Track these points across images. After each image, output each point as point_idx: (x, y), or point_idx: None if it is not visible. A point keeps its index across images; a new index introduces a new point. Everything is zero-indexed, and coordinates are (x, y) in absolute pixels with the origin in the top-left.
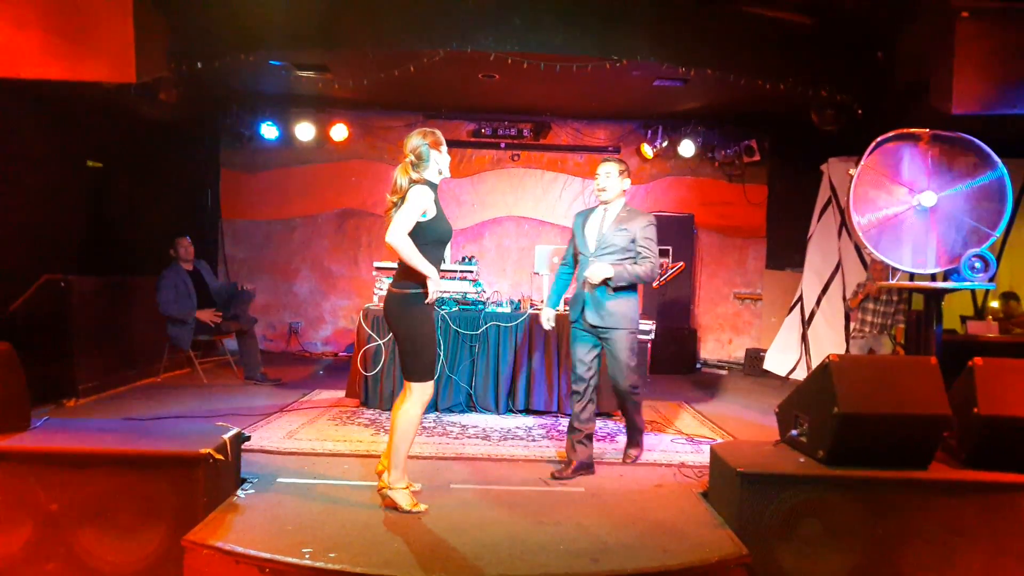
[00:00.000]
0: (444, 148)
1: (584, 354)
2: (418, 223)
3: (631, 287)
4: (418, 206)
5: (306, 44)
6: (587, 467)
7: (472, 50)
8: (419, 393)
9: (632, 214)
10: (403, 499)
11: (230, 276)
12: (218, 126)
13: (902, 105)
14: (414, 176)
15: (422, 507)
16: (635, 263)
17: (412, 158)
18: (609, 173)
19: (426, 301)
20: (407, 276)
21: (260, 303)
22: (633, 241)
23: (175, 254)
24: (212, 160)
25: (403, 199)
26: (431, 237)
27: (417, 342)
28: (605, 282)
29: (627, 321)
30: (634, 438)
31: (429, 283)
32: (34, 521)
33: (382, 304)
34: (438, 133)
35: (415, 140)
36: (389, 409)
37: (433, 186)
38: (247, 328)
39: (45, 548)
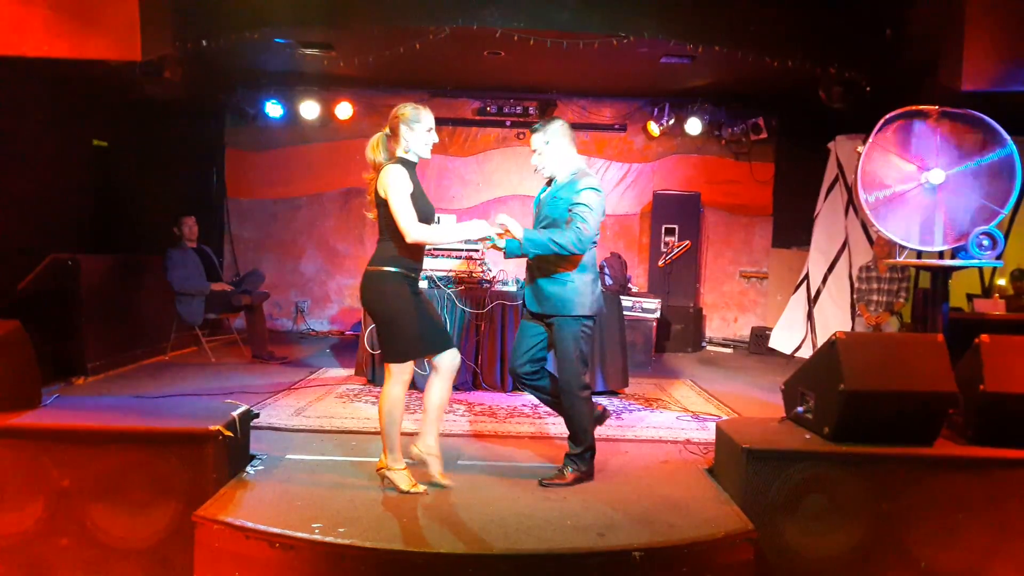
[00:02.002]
0: (419, 127)
1: (520, 343)
2: (389, 205)
3: (576, 267)
4: (402, 189)
5: (311, 22)
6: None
7: (478, 27)
8: (398, 374)
9: (572, 180)
10: (401, 480)
11: (236, 256)
12: (223, 105)
13: (911, 82)
14: (382, 157)
15: (420, 488)
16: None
17: (388, 130)
18: (537, 148)
19: (479, 239)
20: (386, 256)
21: (266, 282)
22: (569, 210)
23: (179, 233)
24: (217, 139)
25: (382, 188)
26: None
27: (393, 323)
28: (534, 259)
29: (567, 307)
30: (571, 456)
31: (464, 231)
32: (46, 497)
33: None
34: (420, 110)
35: (397, 110)
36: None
37: (409, 163)
38: (257, 303)
39: (58, 524)
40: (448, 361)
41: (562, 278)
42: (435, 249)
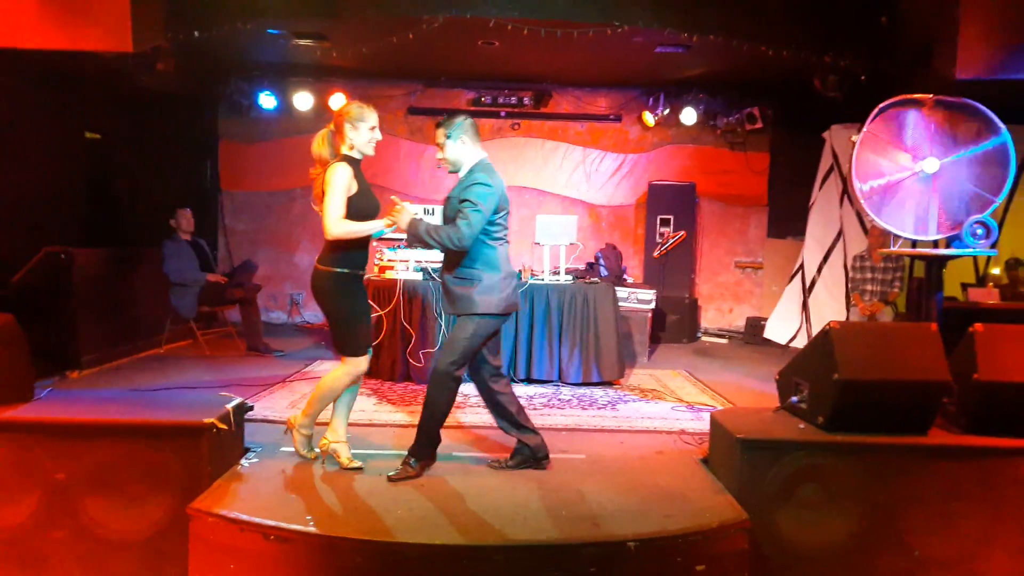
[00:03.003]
0: (363, 125)
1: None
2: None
3: (484, 265)
4: (340, 187)
5: (304, 12)
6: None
7: (472, 16)
8: (350, 366)
9: (467, 175)
10: (299, 440)
11: (230, 248)
12: (216, 96)
13: (906, 71)
14: (326, 152)
15: (314, 455)
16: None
17: (332, 127)
18: (440, 142)
19: (387, 235)
20: (332, 253)
21: (261, 274)
22: (457, 208)
23: (176, 225)
24: (211, 131)
25: (324, 184)
26: (355, 215)
27: (343, 320)
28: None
29: (470, 306)
30: (417, 446)
31: (369, 228)
32: (41, 490)
33: (382, 275)
34: (364, 109)
35: (342, 108)
36: (391, 379)
37: (353, 161)
38: (251, 296)
39: (52, 517)
40: (367, 360)
41: (468, 276)
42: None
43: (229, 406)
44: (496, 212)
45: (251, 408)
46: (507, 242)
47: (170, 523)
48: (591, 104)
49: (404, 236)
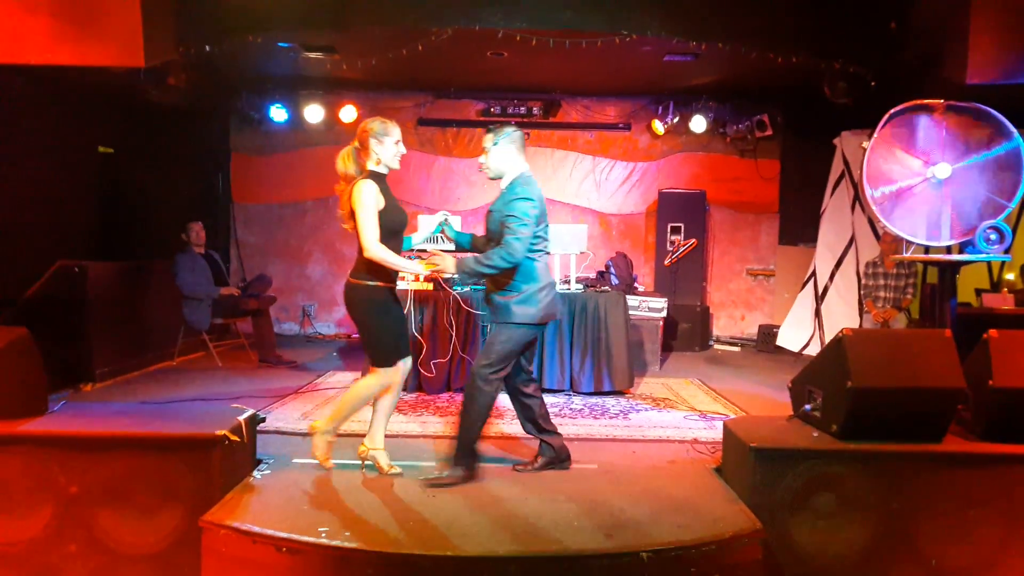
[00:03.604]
0: (388, 140)
1: None
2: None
3: (523, 278)
4: (368, 205)
5: (314, 25)
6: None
7: (480, 27)
8: (380, 376)
9: (508, 189)
10: (319, 445)
11: (242, 260)
12: (227, 110)
13: (916, 76)
14: (352, 169)
15: (331, 464)
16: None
17: (357, 144)
18: (486, 147)
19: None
20: (365, 268)
21: (273, 286)
22: (500, 223)
23: (187, 238)
24: (222, 144)
25: (352, 202)
26: (382, 229)
27: (374, 332)
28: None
29: (509, 315)
30: (458, 453)
31: (408, 269)
32: (55, 503)
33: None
34: (387, 123)
35: (361, 125)
36: (403, 390)
37: (378, 176)
38: (265, 307)
39: (66, 530)
40: (404, 367)
41: (509, 288)
42: (430, 252)
43: (241, 418)
44: (537, 224)
45: (263, 420)
46: (547, 253)
47: (183, 535)
48: (600, 113)
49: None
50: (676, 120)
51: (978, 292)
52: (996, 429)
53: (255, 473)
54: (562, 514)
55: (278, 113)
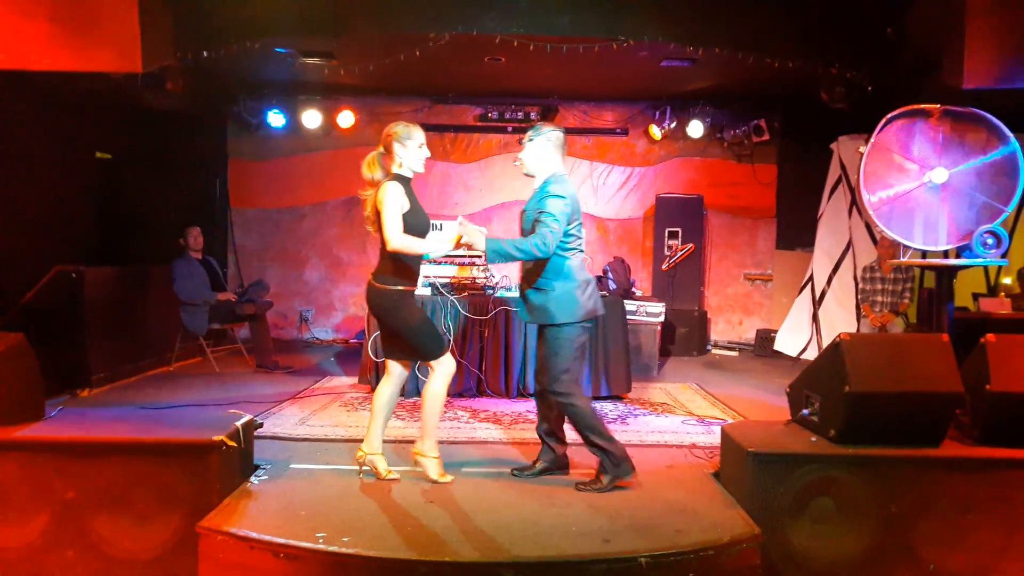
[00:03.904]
0: (412, 144)
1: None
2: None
3: (557, 276)
4: (394, 206)
5: (311, 31)
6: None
7: (478, 33)
8: (443, 367)
9: (541, 187)
10: (432, 467)
11: (240, 266)
12: (225, 115)
13: (913, 81)
14: (378, 175)
15: (448, 478)
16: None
17: (382, 148)
18: (524, 143)
19: (433, 259)
20: (391, 271)
21: (270, 291)
22: (534, 220)
23: (185, 243)
24: (220, 149)
25: (377, 203)
26: (407, 231)
27: (416, 329)
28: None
29: (548, 316)
30: (601, 462)
31: (436, 247)
32: (51, 509)
33: None
34: (411, 127)
35: (386, 130)
36: (400, 395)
37: (403, 179)
38: (262, 312)
39: (63, 536)
40: (448, 365)
41: (543, 287)
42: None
43: (238, 423)
44: (569, 223)
45: (261, 425)
46: (581, 252)
47: (180, 541)
48: (597, 118)
49: (457, 254)
50: (673, 125)
51: (975, 296)
52: (994, 433)
53: (252, 479)
54: (560, 519)
55: (276, 118)
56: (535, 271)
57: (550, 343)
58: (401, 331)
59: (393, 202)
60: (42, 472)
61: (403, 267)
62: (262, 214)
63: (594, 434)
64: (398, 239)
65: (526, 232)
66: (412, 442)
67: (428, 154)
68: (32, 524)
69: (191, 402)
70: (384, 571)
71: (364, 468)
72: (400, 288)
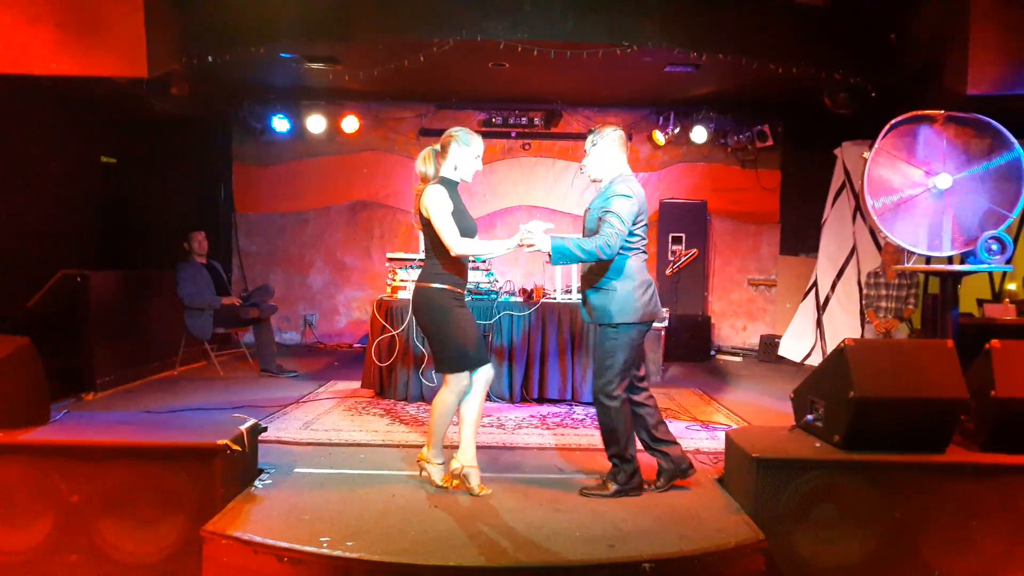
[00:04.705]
0: (469, 151)
1: None
2: (432, 223)
3: (618, 275)
4: (442, 208)
5: (316, 36)
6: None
7: (482, 38)
8: (452, 384)
9: (607, 187)
10: (437, 474)
11: (244, 270)
12: (229, 120)
13: (916, 87)
14: (430, 170)
15: (454, 482)
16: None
17: (438, 147)
18: (587, 149)
19: (512, 247)
20: (434, 272)
21: (275, 296)
22: (598, 219)
23: (189, 248)
24: (224, 154)
25: (423, 207)
26: None
27: (439, 337)
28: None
29: (607, 316)
30: (612, 468)
31: (497, 249)
32: (56, 513)
33: (395, 295)
34: (474, 136)
35: (449, 131)
36: (404, 399)
37: (449, 183)
38: (266, 317)
39: (67, 539)
40: (485, 375)
41: (603, 287)
42: None
43: (243, 427)
44: (635, 223)
45: (265, 429)
46: (644, 252)
47: (184, 545)
48: (601, 123)
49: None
50: (677, 131)
51: (980, 302)
52: (999, 439)
53: (256, 483)
54: (564, 524)
55: (280, 123)
56: (597, 271)
57: (606, 344)
58: (427, 332)
59: (443, 207)
60: (47, 476)
61: (442, 269)
62: (266, 218)
63: (618, 446)
64: (458, 245)
65: (589, 231)
66: (417, 447)
67: (480, 167)
68: (36, 528)
69: (195, 406)
70: (388, 575)
71: (454, 480)
72: (435, 287)
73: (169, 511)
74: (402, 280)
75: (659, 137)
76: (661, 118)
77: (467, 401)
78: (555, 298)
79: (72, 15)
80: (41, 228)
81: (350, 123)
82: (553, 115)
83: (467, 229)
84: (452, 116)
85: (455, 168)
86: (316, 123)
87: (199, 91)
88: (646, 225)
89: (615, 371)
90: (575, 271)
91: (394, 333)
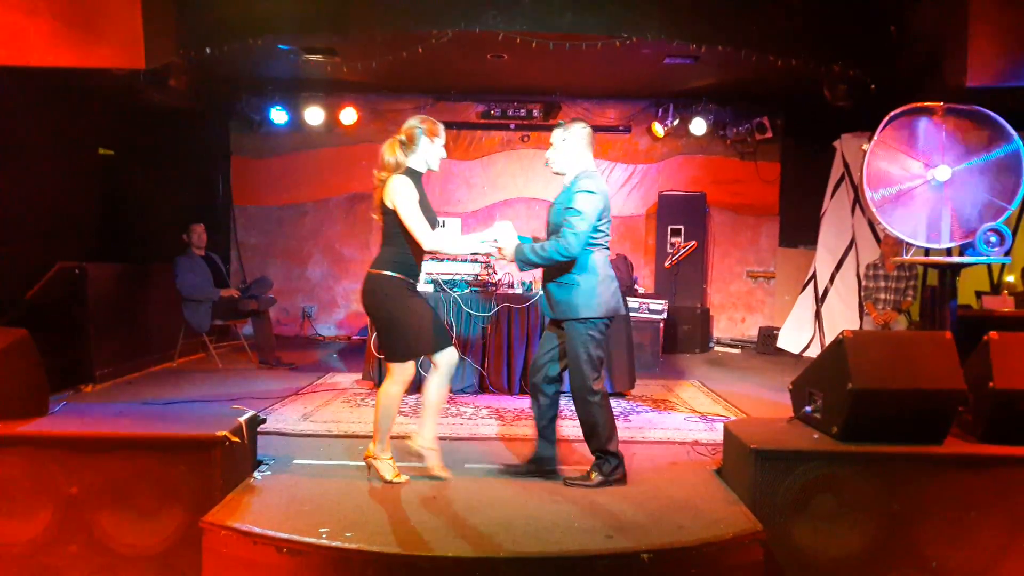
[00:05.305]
0: (438, 141)
1: (538, 353)
2: (396, 213)
3: (581, 270)
4: (412, 199)
5: (314, 28)
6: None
7: (480, 30)
8: (398, 373)
9: (572, 183)
10: (386, 469)
11: (243, 262)
12: (228, 112)
13: (916, 79)
14: (399, 158)
15: (403, 478)
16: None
17: (403, 137)
18: (554, 143)
19: (480, 252)
20: (387, 260)
21: (273, 288)
22: (562, 216)
23: (188, 240)
24: (222, 146)
25: (389, 197)
26: None
27: (393, 325)
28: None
29: (572, 311)
30: (596, 460)
31: (466, 246)
32: (55, 505)
33: None
34: (438, 124)
35: (412, 121)
36: (405, 392)
37: (415, 174)
38: (265, 309)
39: (66, 531)
40: (447, 357)
41: (567, 282)
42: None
43: (241, 419)
44: (599, 219)
45: (263, 421)
46: (606, 248)
47: (183, 536)
48: (600, 115)
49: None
50: (676, 122)
51: (978, 294)
52: (996, 431)
53: (256, 474)
54: (562, 515)
55: (278, 115)
56: (560, 265)
57: (573, 340)
58: (374, 319)
59: (411, 197)
60: (46, 467)
61: (396, 258)
62: (265, 211)
63: (599, 440)
64: (430, 240)
65: (553, 225)
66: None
67: (444, 155)
68: (36, 519)
69: (194, 398)
70: (387, 566)
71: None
72: (387, 274)
73: (168, 502)
74: None
75: (658, 129)
76: (660, 110)
77: (432, 384)
78: None
79: (69, 6)
80: (39, 220)
81: (348, 115)
82: (552, 107)
83: (429, 220)
84: (451, 108)
85: (421, 158)
86: (314, 115)
87: (197, 83)
88: (610, 221)
89: (591, 365)
90: None
91: None
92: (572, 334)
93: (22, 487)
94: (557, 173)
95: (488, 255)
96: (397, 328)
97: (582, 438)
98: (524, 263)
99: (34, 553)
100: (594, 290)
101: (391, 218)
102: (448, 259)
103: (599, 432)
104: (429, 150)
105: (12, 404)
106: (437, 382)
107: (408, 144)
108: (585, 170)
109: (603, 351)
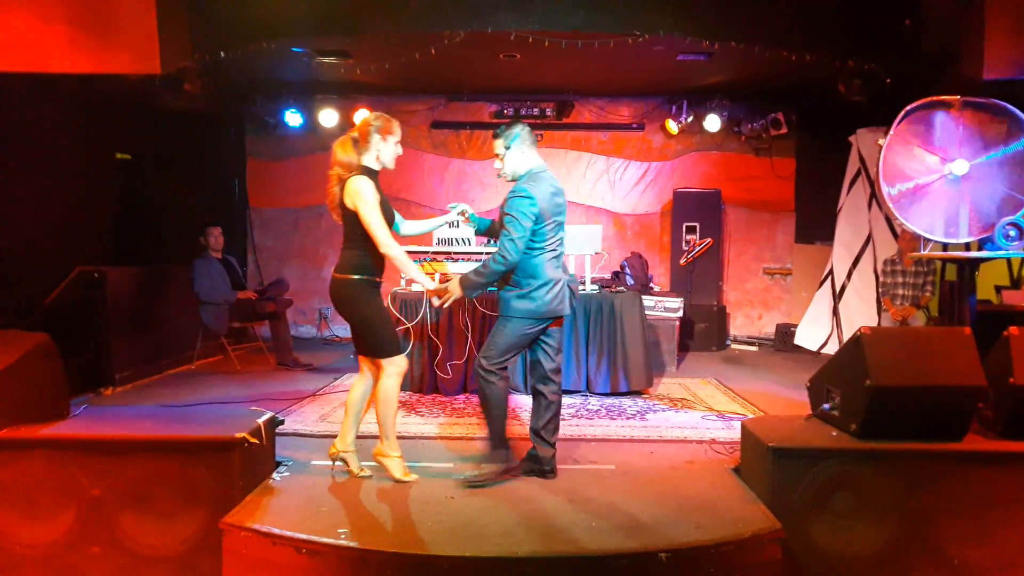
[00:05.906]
0: (391, 139)
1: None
2: (356, 213)
3: (521, 276)
4: (373, 202)
5: (327, 30)
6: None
7: (492, 30)
8: (394, 367)
9: (514, 187)
10: (395, 467)
11: (259, 264)
12: (243, 115)
13: (932, 73)
14: (351, 157)
15: (412, 476)
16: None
17: (356, 135)
18: (499, 153)
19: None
20: (352, 263)
21: (290, 290)
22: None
23: (205, 243)
24: (238, 149)
25: (350, 197)
26: None
27: (374, 323)
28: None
29: (507, 308)
30: (490, 450)
31: (419, 278)
32: (77, 506)
33: (409, 287)
34: (392, 122)
35: (367, 118)
36: (420, 392)
37: (373, 173)
38: (282, 310)
39: (88, 532)
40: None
41: (513, 283)
42: (453, 253)
43: (260, 420)
44: (540, 221)
45: (282, 422)
46: (550, 251)
47: (203, 537)
48: (613, 113)
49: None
50: (690, 119)
51: (998, 289)
52: (1017, 427)
53: (274, 475)
54: (580, 515)
55: (293, 118)
56: (509, 271)
57: (499, 328)
58: (358, 322)
59: (372, 200)
60: (68, 470)
61: (362, 259)
62: (280, 213)
63: (494, 426)
64: (393, 249)
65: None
66: (431, 439)
67: (400, 152)
68: (58, 521)
69: (213, 400)
70: (405, 566)
71: (336, 463)
72: (355, 277)
73: (188, 504)
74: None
75: (672, 126)
76: (674, 107)
77: (361, 388)
78: None
79: (85, 13)
80: (57, 225)
81: (362, 117)
82: (565, 106)
83: (388, 220)
84: (463, 108)
85: (376, 157)
86: (328, 117)
87: (212, 87)
88: (560, 224)
89: (499, 351)
90: (588, 261)
91: (408, 326)
92: (501, 322)
93: (45, 489)
94: (511, 181)
95: (439, 294)
96: (376, 325)
97: (613, 437)
98: (474, 290)
99: (57, 554)
100: (532, 293)
101: (352, 218)
102: (458, 259)
103: (491, 414)
104: (382, 148)
105: (34, 408)
106: (364, 387)
107: (361, 142)
108: (531, 170)
109: (525, 347)
